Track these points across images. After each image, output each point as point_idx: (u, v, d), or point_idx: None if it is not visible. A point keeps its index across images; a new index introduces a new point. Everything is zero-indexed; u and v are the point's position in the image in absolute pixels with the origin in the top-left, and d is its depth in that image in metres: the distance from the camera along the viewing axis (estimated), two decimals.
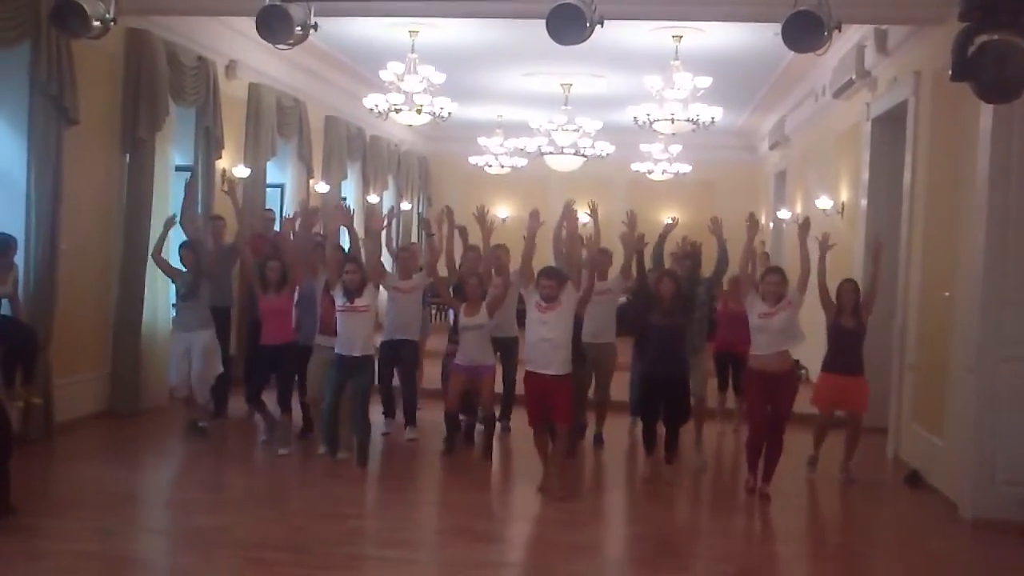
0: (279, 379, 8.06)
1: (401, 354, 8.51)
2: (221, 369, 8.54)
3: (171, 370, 8.48)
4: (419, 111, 11.15)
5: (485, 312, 7.81)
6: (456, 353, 8.03)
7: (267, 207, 11.67)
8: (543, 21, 6.07)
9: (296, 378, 8.20)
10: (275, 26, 6.40)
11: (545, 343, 6.90)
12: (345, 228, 8.26)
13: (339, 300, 7.50)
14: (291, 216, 9.03)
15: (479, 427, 8.47)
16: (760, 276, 7.38)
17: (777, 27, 5.99)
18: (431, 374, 9.53)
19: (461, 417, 8.38)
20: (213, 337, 8.42)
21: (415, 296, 8.57)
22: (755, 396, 7.22)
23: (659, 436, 7.60)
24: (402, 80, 10.97)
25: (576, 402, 7.63)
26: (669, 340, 7.42)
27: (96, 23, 6.48)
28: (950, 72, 5.28)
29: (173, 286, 8.84)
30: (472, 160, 18.25)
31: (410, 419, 8.64)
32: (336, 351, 7.58)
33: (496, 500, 7.32)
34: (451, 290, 8.46)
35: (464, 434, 8.49)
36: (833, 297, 7.67)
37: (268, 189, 12.22)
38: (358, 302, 7.48)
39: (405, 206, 19.12)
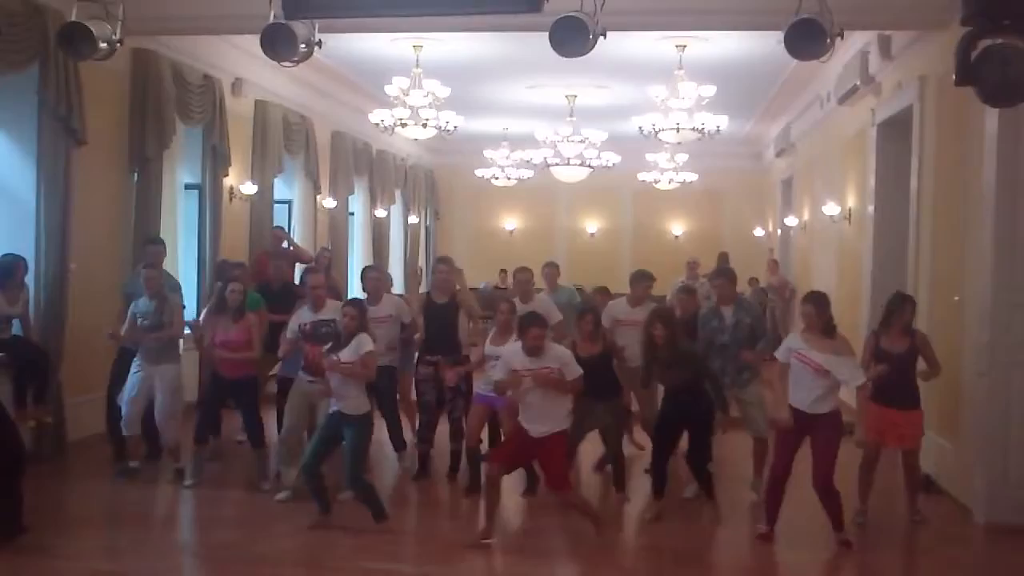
0: (246, 415, 7.51)
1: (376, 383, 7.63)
2: (183, 402, 7.90)
3: (125, 407, 7.44)
4: (425, 125, 11.20)
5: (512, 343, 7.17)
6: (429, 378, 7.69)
7: (277, 225, 11.71)
8: (546, 33, 6.09)
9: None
10: (280, 44, 6.44)
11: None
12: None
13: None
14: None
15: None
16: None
17: (780, 35, 6.00)
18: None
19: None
20: (179, 371, 7.64)
21: (390, 324, 7.84)
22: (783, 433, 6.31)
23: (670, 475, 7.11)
24: (407, 95, 11.02)
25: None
26: (682, 388, 6.78)
27: (103, 44, 6.54)
28: (954, 77, 5.28)
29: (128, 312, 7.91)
30: (478, 172, 18.30)
31: (397, 446, 8.19)
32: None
33: (507, 514, 7.28)
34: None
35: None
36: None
37: (276, 205, 12.28)
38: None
39: (412, 220, 19.17)
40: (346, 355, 6.27)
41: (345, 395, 6.27)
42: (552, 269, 9.10)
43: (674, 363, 6.73)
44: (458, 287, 8.02)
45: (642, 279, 8.30)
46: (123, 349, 7.67)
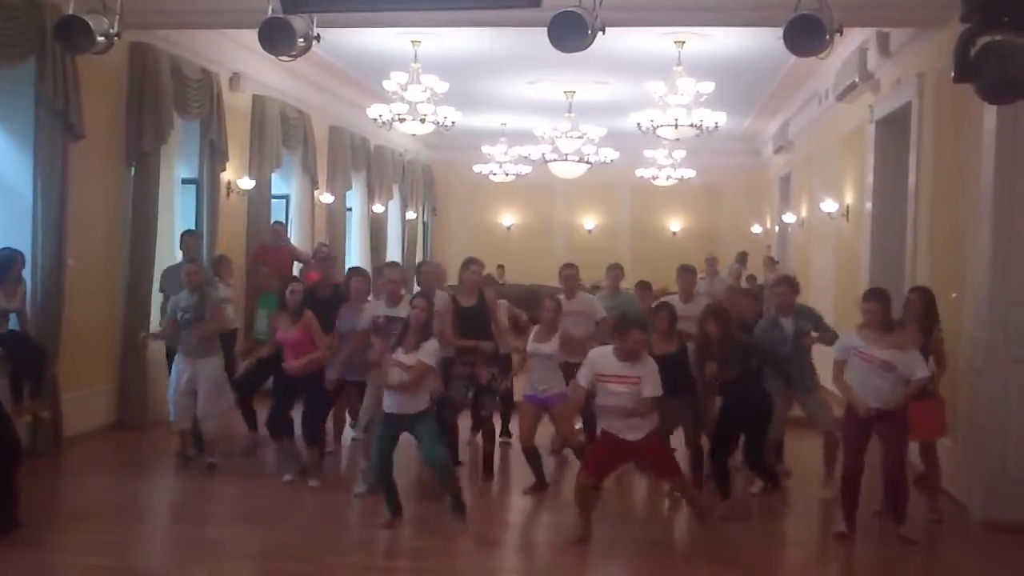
0: (311, 407, 7.49)
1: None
2: (232, 400, 8.00)
3: (173, 405, 7.74)
4: (423, 120, 11.19)
5: (556, 341, 7.18)
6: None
7: (276, 220, 11.70)
8: (545, 29, 6.08)
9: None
10: (277, 38, 6.41)
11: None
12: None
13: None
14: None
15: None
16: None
17: (779, 31, 5.99)
18: None
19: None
20: (221, 365, 7.83)
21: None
22: (852, 427, 6.31)
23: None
24: (405, 90, 11.01)
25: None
26: (737, 384, 6.72)
27: (100, 38, 6.50)
28: (952, 74, 5.27)
29: (162, 309, 8.46)
30: (476, 168, 18.29)
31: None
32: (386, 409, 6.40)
33: (511, 509, 7.27)
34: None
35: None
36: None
37: (273, 200, 12.27)
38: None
39: (410, 215, 19.16)
40: (408, 358, 6.18)
41: (407, 394, 6.20)
42: (617, 271, 9.02)
43: (729, 359, 6.65)
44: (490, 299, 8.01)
45: (687, 272, 8.35)
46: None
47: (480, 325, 7.71)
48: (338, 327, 7.53)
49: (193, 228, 9.69)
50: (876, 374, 6.10)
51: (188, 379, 7.64)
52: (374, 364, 6.50)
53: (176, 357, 7.76)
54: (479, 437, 8.19)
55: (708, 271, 12.74)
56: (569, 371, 7.11)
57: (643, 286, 8.66)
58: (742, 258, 16.06)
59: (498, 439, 8.26)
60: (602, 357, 6.08)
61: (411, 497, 7.26)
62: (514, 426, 8.59)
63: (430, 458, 6.36)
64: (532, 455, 7.38)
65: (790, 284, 7.64)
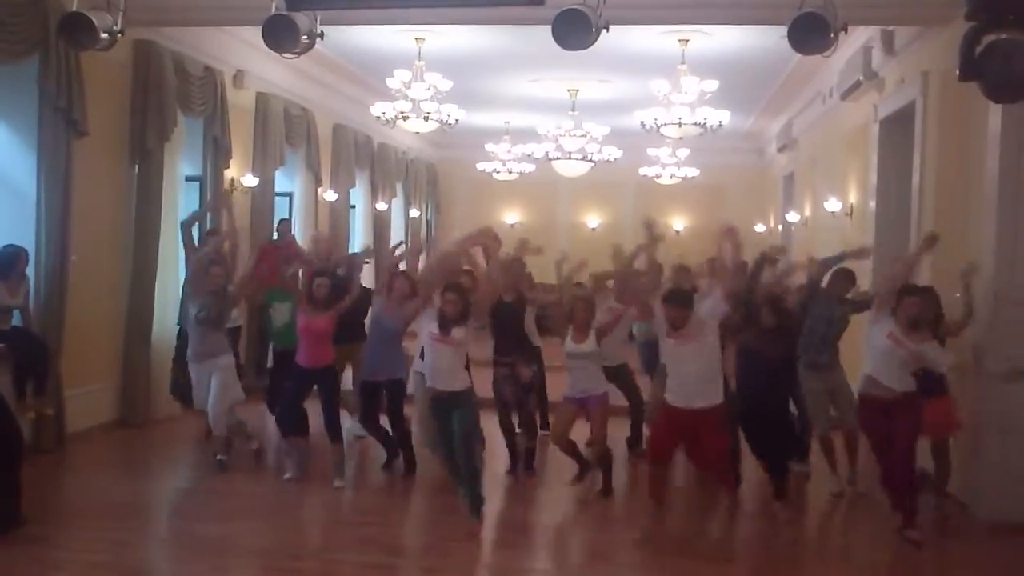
0: (327, 406, 7.45)
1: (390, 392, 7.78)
2: (243, 396, 7.94)
3: (209, 410, 7.65)
4: (426, 118, 11.19)
5: (594, 339, 7.11)
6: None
7: (284, 217, 11.69)
8: (549, 27, 6.08)
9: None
10: (281, 35, 6.43)
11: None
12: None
13: (431, 329, 6.47)
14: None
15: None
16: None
17: (783, 30, 5.98)
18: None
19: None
20: (232, 363, 7.79)
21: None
22: (871, 420, 6.44)
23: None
24: (409, 87, 11.01)
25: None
26: (763, 368, 6.75)
27: (104, 35, 6.53)
28: (958, 72, 5.26)
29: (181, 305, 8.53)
30: (480, 166, 18.28)
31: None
32: (428, 384, 6.63)
33: (516, 508, 7.26)
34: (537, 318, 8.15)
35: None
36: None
37: (277, 198, 12.27)
38: (455, 333, 6.39)
39: (413, 213, 19.16)
40: (458, 333, 6.35)
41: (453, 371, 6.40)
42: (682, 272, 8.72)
43: (772, 339, 6.72)
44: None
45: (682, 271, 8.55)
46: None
47: (516, 322, 7.74)
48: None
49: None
50: (897, 361, 6.17)
51: (206, 378, 7.58)
52: None
53: (189, 365, 7.69)
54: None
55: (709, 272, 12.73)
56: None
57: (681, 270, 8.84)
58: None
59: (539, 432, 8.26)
60: (660, 322, 6.18)
61: (414, 493, 7.28)
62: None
63: (459, 451, 6.37)
64: (568, 447, 7.30)
65: (849, 278, 7.76)
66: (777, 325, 6.74)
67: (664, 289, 6.74)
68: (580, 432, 7.27)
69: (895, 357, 6.18)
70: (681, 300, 6.10)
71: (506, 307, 7.63)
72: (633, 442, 8.56)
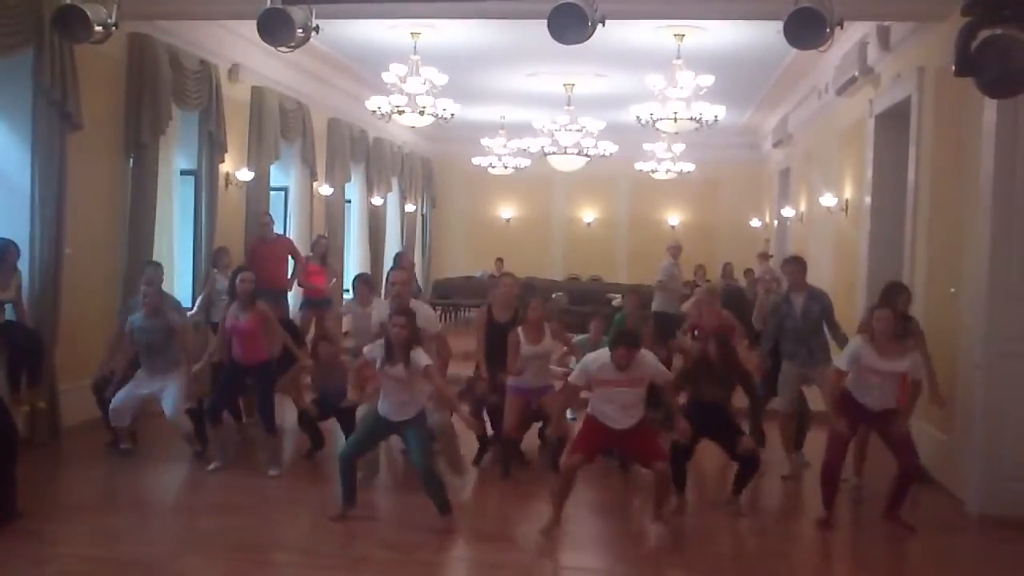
0: (263, 398, 7.59)
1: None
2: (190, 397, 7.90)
3: (115, 410, 7.56)
4: (422, 112, 11.17)
5: (549, 339, 7.50)
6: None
7: (266, 212, 11.66)
8: (545, 21, 6.07)
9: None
10: (276, 29, 6.41)
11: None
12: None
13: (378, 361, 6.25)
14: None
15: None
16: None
17: (779, 24, 5.98)
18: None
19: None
20: (186, 377, 7.67)
21: None
22: (845, 422, 6.47)
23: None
24: (404, 82, 10.99)
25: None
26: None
27: (98, 28, 6.49)
28: (953, 68, 5.26)
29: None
30: (475, 161, 18.26)
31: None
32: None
33: (506, 503, 7.28)
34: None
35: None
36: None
37: (272, 192, 12.25)
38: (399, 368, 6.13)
39: (409, 208, 19.15)
40: (398, 371, 6.08)
41: (408, 402, 6.19)
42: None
43: (724, 381, 6.81)
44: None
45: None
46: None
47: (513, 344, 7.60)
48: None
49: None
50: (878, 384, 6.35)
51: (144, 393, 7.60)
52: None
53: (140, 374, 7.60)
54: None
55: (761, 267, 13.54)
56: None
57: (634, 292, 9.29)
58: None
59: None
60: (600, 366, 6.10)
61: (404, 489, 7.27)
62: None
63: (419, 466, 6.29)
64: (510, 444, 7.57)
65: (798, 262, 7.98)
66: (724, 354, 6.82)
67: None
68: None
69: (873, 385, 6.38)
70: (630, 342, 6.09)
71: (502, 328, 7.67)
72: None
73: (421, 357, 6.10)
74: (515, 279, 8.04)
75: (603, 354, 6.17)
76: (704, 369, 6.82)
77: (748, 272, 16.16)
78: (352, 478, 6.40)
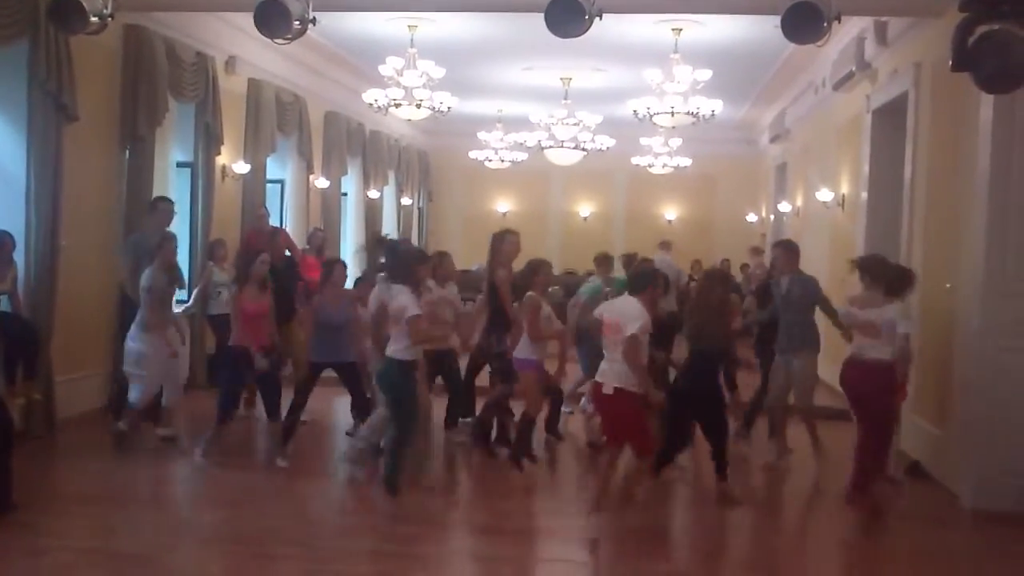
0: (270, 387, 7.58)
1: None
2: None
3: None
4: (419, 106, 11.15)
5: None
6: None
7: (262, 204, 11.65)
8: (542, 14, 6.07)
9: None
10: (274, 21, 6.41)
11: None
12: None
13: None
14: None
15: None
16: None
17: (777, 19, 5.99)
18: None
19: None
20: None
21: None
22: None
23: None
24: (401, 75, 10.97)
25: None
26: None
27: (94, 19, 6.49)
28: (950, 63, 5.27)
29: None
30: (472, 154, 18.26)
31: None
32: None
33: (499, 494, 7.29)
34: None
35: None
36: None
37: (268, 185, 12.23)
38: None
39: (406, 201, 19.13)
40: None
41: None
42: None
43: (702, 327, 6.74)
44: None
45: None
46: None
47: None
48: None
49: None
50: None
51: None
52: None
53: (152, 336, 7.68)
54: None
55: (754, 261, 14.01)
56: None
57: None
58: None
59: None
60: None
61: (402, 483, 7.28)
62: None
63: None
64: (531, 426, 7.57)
65: (782, 246, 8.10)
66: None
67: None
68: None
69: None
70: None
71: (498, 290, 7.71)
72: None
73: None
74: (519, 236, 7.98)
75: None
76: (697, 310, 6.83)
77: (744, 267, 16.21)
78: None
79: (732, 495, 6.69)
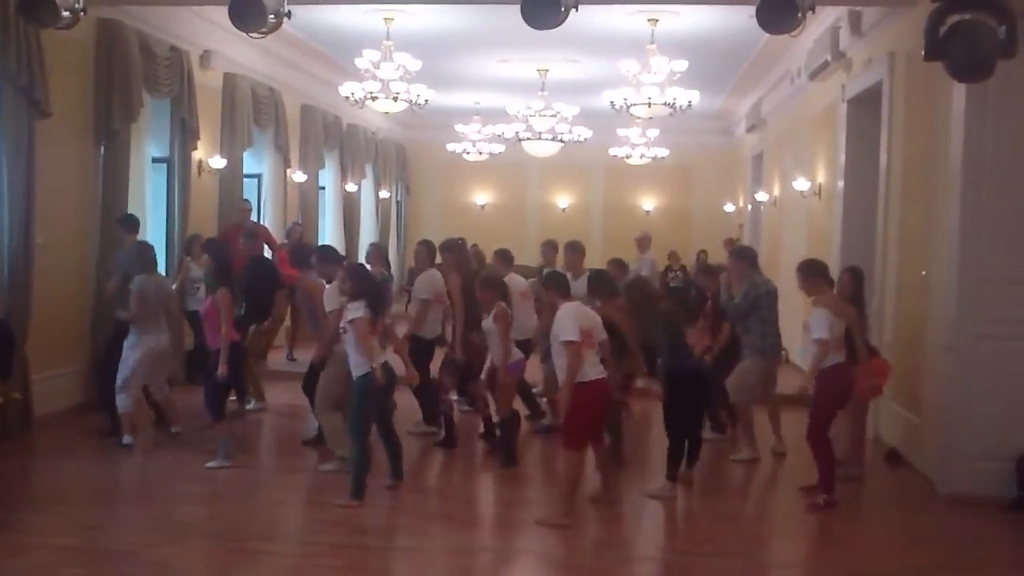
0: (235, 383, 7.62)
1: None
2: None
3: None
4: (396, 99, 11.12)
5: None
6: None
7: (245, 198, 11.62)
8: (518, 6, 6.06)
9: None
10: (248, 15, 6.36)
11: None
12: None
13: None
14: None
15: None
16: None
17: (752, 9, 6.01)
18: None
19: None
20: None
21: None
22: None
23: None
24: (378, 68, 10.93)
25: None
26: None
27: (65, 13, 6.41)
28: (923, 52, 5.31)
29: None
30: (450, 147, 18.23)
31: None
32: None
33: (479, 486, 7.31)
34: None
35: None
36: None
37: (245, 179, 12.17)
38: None
39: (383, 194, 19.07)
40: None
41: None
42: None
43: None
44: None
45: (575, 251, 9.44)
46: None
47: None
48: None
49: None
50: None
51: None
52: None
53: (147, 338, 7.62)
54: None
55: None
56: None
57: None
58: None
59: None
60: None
61: (383, 476, 7.28)
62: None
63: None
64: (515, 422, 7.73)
65: (734, 254, 8.41)
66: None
67: None
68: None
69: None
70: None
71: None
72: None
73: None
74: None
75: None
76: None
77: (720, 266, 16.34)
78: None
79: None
